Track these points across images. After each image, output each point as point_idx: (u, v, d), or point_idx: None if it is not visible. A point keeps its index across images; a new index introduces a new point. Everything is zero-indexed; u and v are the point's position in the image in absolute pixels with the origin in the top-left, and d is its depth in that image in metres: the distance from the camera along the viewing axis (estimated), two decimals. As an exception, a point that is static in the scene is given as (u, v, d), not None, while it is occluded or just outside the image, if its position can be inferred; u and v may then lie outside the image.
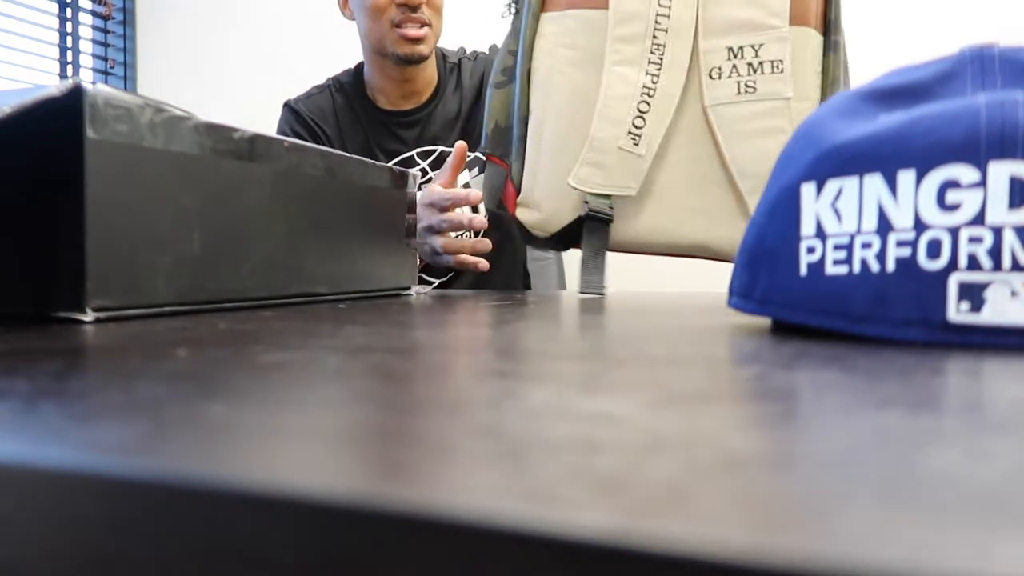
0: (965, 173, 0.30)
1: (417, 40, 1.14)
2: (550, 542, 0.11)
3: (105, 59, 2.27)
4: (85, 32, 2.24)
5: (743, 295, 0.39)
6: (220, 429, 0.16)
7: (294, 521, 0.12)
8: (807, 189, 0.35)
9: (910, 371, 0.24)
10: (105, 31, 2.27)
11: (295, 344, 0.31)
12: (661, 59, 0.73)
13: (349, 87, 1.25)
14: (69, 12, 2.19)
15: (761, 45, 0.71)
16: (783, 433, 0.16)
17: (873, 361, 0.26)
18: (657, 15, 0.73)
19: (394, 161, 1.20)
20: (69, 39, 2.20)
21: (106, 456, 0.14)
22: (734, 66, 0.72)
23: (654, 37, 0.73)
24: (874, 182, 0.32)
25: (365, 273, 0.64)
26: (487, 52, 1.29)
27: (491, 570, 0.11)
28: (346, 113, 1.23)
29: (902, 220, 0.31)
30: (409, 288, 0.72)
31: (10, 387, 0.21)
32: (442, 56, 1.27)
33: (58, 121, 0.38)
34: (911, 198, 0.31)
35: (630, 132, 0.73)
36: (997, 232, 0.29)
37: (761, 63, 0.71)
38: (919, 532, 0.11)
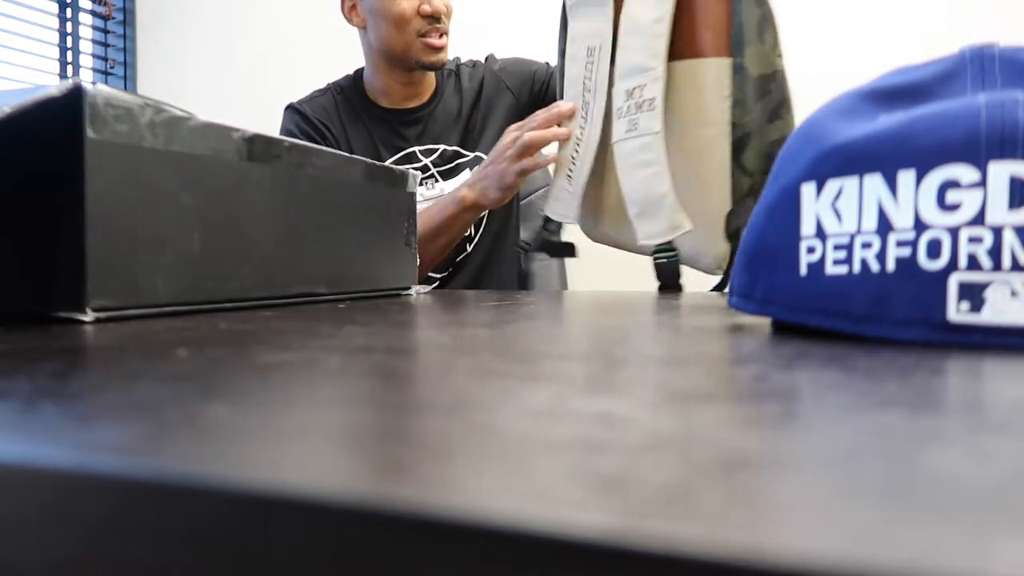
0: (965, 173, 0.30)
1: (441, 48, 1.20)
2: (550, 542, 0.11)
3: (105, 59, 2.27)
4: (85, 32, 2.24)
5: (743, 295, 0.39)
6: (220, 429, 0.16)
7: (294, 521, 0.12)
8: (807, 189, 0.35)
9: (910, 371, 0.24)
10: (105, 31, 2.27)
11: (295, 344, 0.31)
12: (587, 114, 0.90)
13: (349, 90, 1.29)
14: (69, 12, 2.19)
15: (644, 86, 0.83)
16: (783, 433, 0.16)
17: (873, 361, 0.26)
18: (584, 78, 0.90)
19: (397, 156, 1.23)
20: (69, 39, 2.20)
21: (106, 456, 0.14)
22: (628, 106, 0.85)
23: (583, 96, 0.91)
24: (874, 182, 0.32)
25: (365, 273, 0.64)
26: (484, 61, 1.34)
27: (491, 570, 0.11)
28: (349, 112, 1.26)
29: (902, 220, 0.31)
30: (409, 288, 0.72)
31: (10, 387, 0.21)
32: None
33: (58, 121, 0.38)
34: (911, 198, 0.31)
35: (567, 174, 0.93)
36: (997, 232, 0.29)
37: (644, 101, 0.83)
38: (919, 532, 0.11)
